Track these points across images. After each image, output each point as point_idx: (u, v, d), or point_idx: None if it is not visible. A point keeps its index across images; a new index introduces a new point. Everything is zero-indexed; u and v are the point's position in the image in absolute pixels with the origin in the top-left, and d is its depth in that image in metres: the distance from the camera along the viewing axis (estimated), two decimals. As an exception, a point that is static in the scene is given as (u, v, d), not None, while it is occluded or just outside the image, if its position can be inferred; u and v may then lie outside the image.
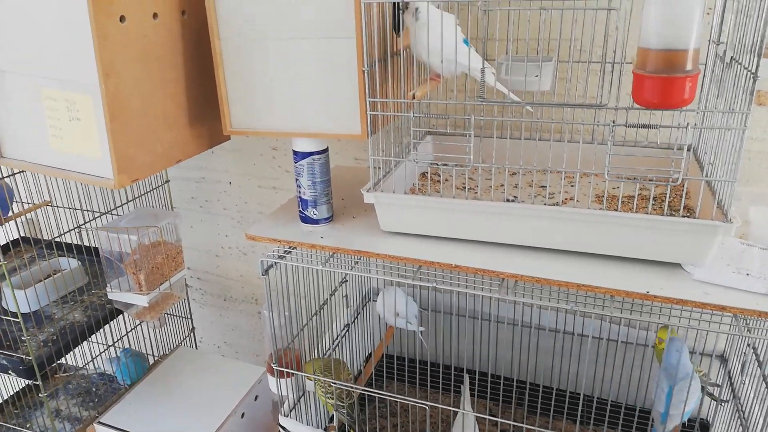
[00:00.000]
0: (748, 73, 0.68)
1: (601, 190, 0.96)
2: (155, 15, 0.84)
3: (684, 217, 0.77)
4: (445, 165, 0.83)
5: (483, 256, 0.82)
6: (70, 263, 1.29)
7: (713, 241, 0.72)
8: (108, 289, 1.13)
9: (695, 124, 0.68)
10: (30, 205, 1.23)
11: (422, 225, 0.87)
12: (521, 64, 0.90)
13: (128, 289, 1.12)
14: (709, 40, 0.93)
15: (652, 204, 0.86)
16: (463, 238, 0.86)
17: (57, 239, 1.30)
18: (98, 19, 0.74)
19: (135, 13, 0.80)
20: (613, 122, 0.71)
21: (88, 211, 1.30)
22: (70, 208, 1.32)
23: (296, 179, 0.93)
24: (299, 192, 0.93)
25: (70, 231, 1.29)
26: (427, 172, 1.07)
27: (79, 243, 1.35)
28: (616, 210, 0.83)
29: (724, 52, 0.84)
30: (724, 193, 0.73)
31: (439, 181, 1.03)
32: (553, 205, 0.91)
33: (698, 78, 0.63)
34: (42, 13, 0.79)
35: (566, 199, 0.95)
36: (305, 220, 0.95)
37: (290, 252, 0.95)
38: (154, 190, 1.32)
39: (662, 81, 0.62)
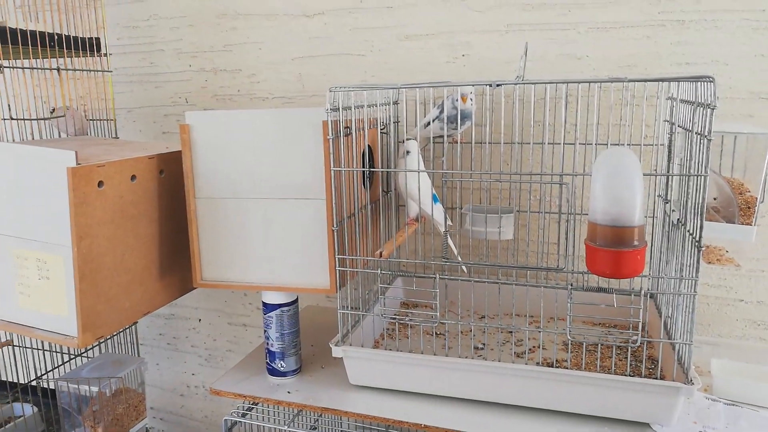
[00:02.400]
0: (692, 239, 0.73)
1: (563, 335, 0.97)
2: (133, 177, 0.87)
3: (647, 375, 0.78)
4: (412, 321, 0.84)
5: (454, 415, 0.81)
6: (25, 410, 1.23)
7: (677, 402, 0.73)
8: (62, 443, 1.07)
9: (648, 289, 0.71)
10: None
11: (392, 379, 0.86)
12: (483, 216, 0.95)
13: (84, 444, 1.06)
14: (657, 195, 1.00)
15: (617, 353, 0.88)
16: (434, 393, 0.85)
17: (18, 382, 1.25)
18: (77, 188, 0.77)
19: (114, 177, 0.83)
20: (571, 285, 0.74)
21: (50, 351, 1.26)
22: (32, 348, 1.28)
23: (264, 331, 0.93)
24: (267, 344, 0.93)
25: (29, 382, 1.24)
26: (396, 316, 1.08)
27: (39, 385, 1.29)
28: (579, 364, 0.84)
29: (672, 211, 0.90)
30: (684, 352, 0.75)
31: (409, 325, 1.04)
32: (521, 354, 0.92)
33: (646, 250, 0.67)
34: (22, 178, 0.82)
35: (534, 347, 0.96)
36: (272, 372, 0.93)
37: (255, 405, 0.93)
38: (122, 332, 1.29)
39: (612, 254, 0.66)
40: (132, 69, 1.38)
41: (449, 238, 0.81)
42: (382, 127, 1.02)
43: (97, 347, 1.28)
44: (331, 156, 0.82)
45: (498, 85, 0.72)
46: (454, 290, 1.06)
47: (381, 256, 0.83)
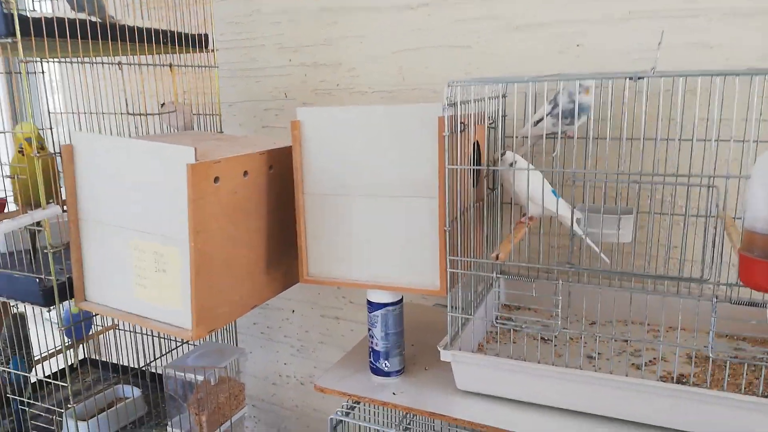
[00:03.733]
0: None
1: (689, 349, 0.90)
2: (246, 173, 0.88)
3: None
4: (528, 328, 0.80)
5: (567, 428, 0.76)
6: (132, 392, 1.29)
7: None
8: (168, 427, 1.11)
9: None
10: (99, 328, 1.26)
11: (502, 387, 0.82)
12: (598, 216, 0.89)
13: (188, 429, 1.09)
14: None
15: (751, 371, 0.79)
16: (547, 404, 0.81)
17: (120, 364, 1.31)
18: (195, 183, 0.78)
19: (228, 173, 0.84)
20: (716, 298, 0.67)
21: (156, 337, 1.31)
22: (137, 332, 1.34)
23: (369, 329, 0.91)
24: (372, 342, 0.91)
25: (140, 368, 1.30)
26: (498, 318, 1.04)
27: (141, 368, 1.35)
28: (705, 380, 0.77)
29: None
30: None
31: (512, 330, 1.00)
32: (640, 366, 0.85)
33: (811, 264, 0.59)
34: (144, 175, 0.84)
35: (653, 359, 0.89)
36: (376, 371, 0.92)
37: (358, 405, 0.92)
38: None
39: (772, 267, 0.59)
40: (234, 64, 1.40)
41: (578, 228, 0.76)
42: (491, 122, 0.98)
43: (199, 335, 1.32)
44: (446, 153, 0.79)
45: (640, 78, 0.66)
46: (572, 293, 1.00)
47: (498, 258, 0.79)
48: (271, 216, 0.95)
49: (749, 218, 0.61)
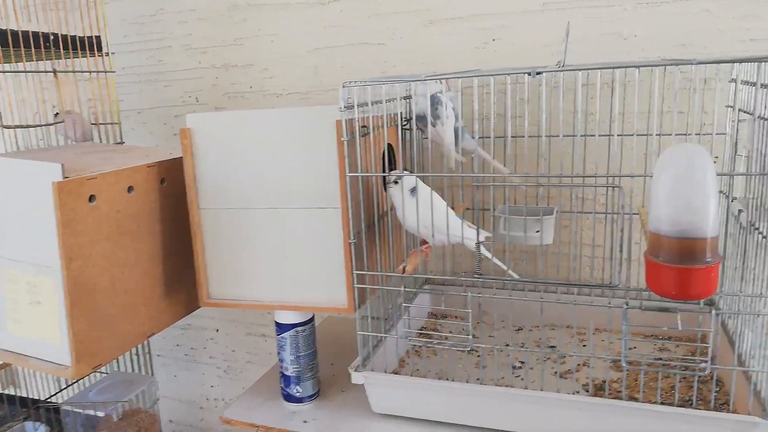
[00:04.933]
0: (774, 250, 0.61)
1: (617, 351, 0.86)
2: (130, 188, 0.79)
3: (716, 408, 0.67)
4: (440, 344, 0.74)
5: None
6: (36, 428, 1.18)
7: (756, 442, 0.61)
8: (73, 469, 1.01)
9: (719, 308, 0.60)
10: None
11: (420, 408, 0.77)
12: (520, 219, 0.84)
13: (95, 469, 1.00)
14: (720, 192, 0.88)
15: (680, 380, 0.76)
16: (466, 424, 0.75)
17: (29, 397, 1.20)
18: (63, 203, 0.69)
19: (107, 190, 0.75)
20: (626, 304, 0.63)
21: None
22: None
23: (278, 353, 0.84)
24: (281, 367, 0.84)
25: (37, 404, 1.19)
26: (424, 328, 0.99)
27: (46, 401, 1.24)
28: (633, 387, 0.73)
29: (739, 211, 0.78)
30: (761, 381, 0.64)
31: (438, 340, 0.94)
32: (565, 374, 0.81)
33: (719, 267, 0.55)
34: (8, 195, 0.74)
35: (579, 365, 0.85)
36: (288, 398, 0.85)
37: (272, 434, 0.84)
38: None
39: (680, 272, 0.55)
40: (140, 67, 1.30)
41: (484, 248, 0.71)
42: (404, 123, 0.92)
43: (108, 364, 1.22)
44: (347, 160, 0.72)
45: (538, 73, 0.61)
46: (488, 300, 0.96)
47: (404, 271, 0.73)
48: (167, 235, 0.86)
49: (653, 220, 0.56)
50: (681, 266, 0.55)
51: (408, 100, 0.92)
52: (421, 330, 0.99)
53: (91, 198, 0.74)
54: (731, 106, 0.82)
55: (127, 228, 0.79)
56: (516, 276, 0.73)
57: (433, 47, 1.05)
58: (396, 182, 0.76)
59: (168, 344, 1.44)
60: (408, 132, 0.94)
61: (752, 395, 0.65)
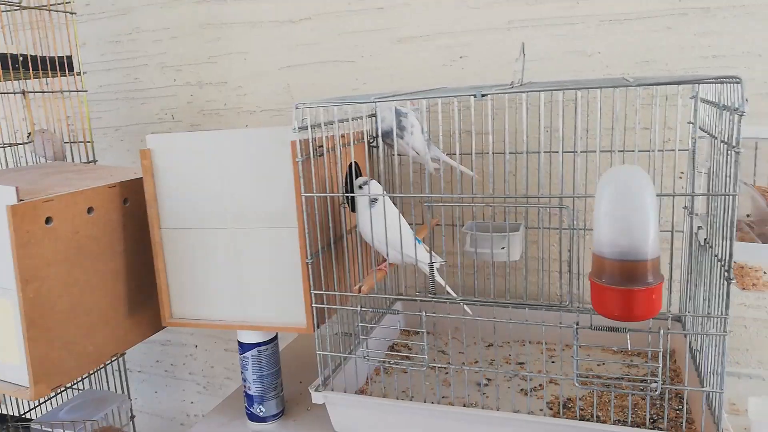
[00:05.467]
0: (722, 269, 0.61)
1: (586, 367, 0.86)
2: (90, 209, 0.80)
3: (670, 429, 0.66)
4: (397, 364, 0.74)
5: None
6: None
7: (709, 463, 0.61)
8: (43, 489, 1.00)
9: (669, 329, 0.60)
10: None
11: (380, 428, 0.76)
12: (487, 235, 0.85)
13: (64, 489, 0.99)
14: (683, 207, 0.88)
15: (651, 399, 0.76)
16: (426, 444, 0.75)
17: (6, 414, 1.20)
18: (18, 226, 0.70)
19: (65, 212, 0.76)
20: (577, 324, 0.63)
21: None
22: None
23: (241, 372, 0.84)
24: (245, 387, 0.84)
25: (3, 426, 1.19)
26: (395, 345, 0.99)
27: (20, 417, 1.24)
28: (600, 411, 0.73)
29: (699, 228, 0.78)
30: (714, 400, 0.64)
31: (408, 357, 0.94)
32: (529, 391, 0.81)
33: (662, 288, 0.55)
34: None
35: (542, 384, 0.85)
36: (252, 417, 0.84)
37: (236, 454, 0.84)
38: (109, 364, 1.23)
39: (622, 294, 0.55)
40: (117, 86, 1.31)
41: (436, 273, 0.71)
42: (371, 140, 0.93)
43: (82, 381, 1.22)
44: (302, 180, 0.73)
45: (483, 95, 0.61)
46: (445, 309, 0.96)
47: (360, 291, 0.73)
48: (130, 255, 0.86)
49: (596, 241, 0.56)
50: (623, 288, 0.55)
51: (373, 118, 0.92)
52: (392, 347, 0.99)
53: (48, 220, 0.74)
54: (692, 123, 0.82)
55: (88, 249, 0.80)
56: (453, 294, 0.73)
57: (402, 65, 1.06)
58: (361, 187, 0.76)
59: (148, 360, 1.44)
60: (375, 150, 0.95)
61: (704, 414, 0.64)
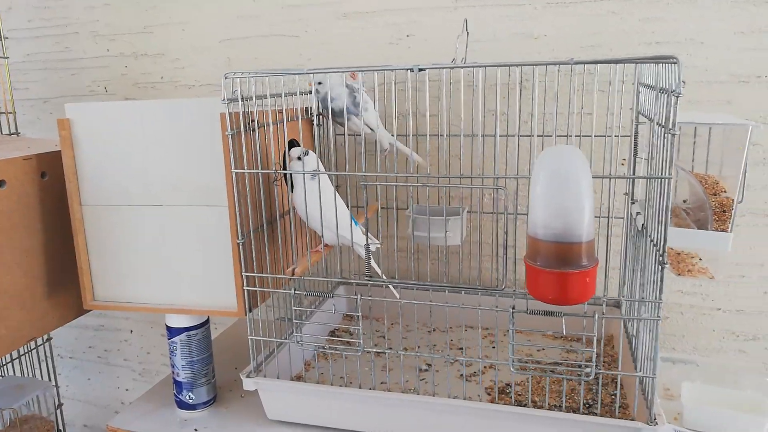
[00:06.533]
0: (657, 253, 0.61)
1: (526, 353, 0.86)
2: (1, 182, 0.73)
3: (604, 413, 0.67)
4: (334, 349, 0.72)
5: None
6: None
7: (638, 446, 0.61)
8: (-45, 482, 0.94)
9: (603, 313, 0.59)
10: None
11: (315, 415, 0.74)
12: (428, 219, 0.83)
13: (-21, 483, 0.93)
14: (624, 194, 0.88)
15: (572, 381, 0.76)
16: (361, 430, 0.73)
17: None
18: None
19: (-30, 185, 0.70)
20: (513, 308, 0.62)
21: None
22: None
23: (170, 357, 0.80)
24: (173, 373, 0.80)
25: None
26: (336, 331, 0.96)
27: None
28: (534, 390, 0.73)
29: (637, 214, 0.78)
30: (647, 385, 0.64)
31: (348, 342, 0.92)
32: (470, 376, 0.80)
33: (596, 271, 0.55)
34: None
35: (485, 367, 0.84)
36: (181, 405, 0.81)
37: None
38: (34, 350, 1.16)
39: (556, 276, 0.54)
40: (45, 54, 1.23)
41: (371, 258, 0.68)
42: (314, 117, 0.89)
43: (4, 368, 1.15)
44: (232, 155, 0.69)
45: (420, 69, 0.59)
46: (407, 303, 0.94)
47: (294, 274, 0.70)
48: (49, 232, 0.81)
49: (531, 223, 0.55)
50: (557, 270, 0.54)
51: (317, 94, 0.89)
52: (333, 332, 0.96)
53: (-49, 193, 0.68)
54: (633, 109, 0.82)
55: (0, 225, 0.74)
56: (384, 278, 0.70)
57: (348, 41, 1.03)
58: (300, 158, 0.73)
59: (80, 346, 1.37)
60: (320, 128, 0.91)
61: (637, 400, 0.65)
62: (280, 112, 0.78)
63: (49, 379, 1.15)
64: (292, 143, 0.84)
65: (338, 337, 0.95)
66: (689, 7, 0.87)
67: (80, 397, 1.39)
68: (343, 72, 0.65)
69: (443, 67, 0.59)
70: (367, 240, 0.67)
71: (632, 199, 0.85)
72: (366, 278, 0.68)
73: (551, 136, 0.84)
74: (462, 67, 0.59)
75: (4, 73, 1.05)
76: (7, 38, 1.06)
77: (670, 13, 0.88)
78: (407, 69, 0.59)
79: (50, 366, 1.16)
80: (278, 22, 1.06)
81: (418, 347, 0.91)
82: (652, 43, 0.90)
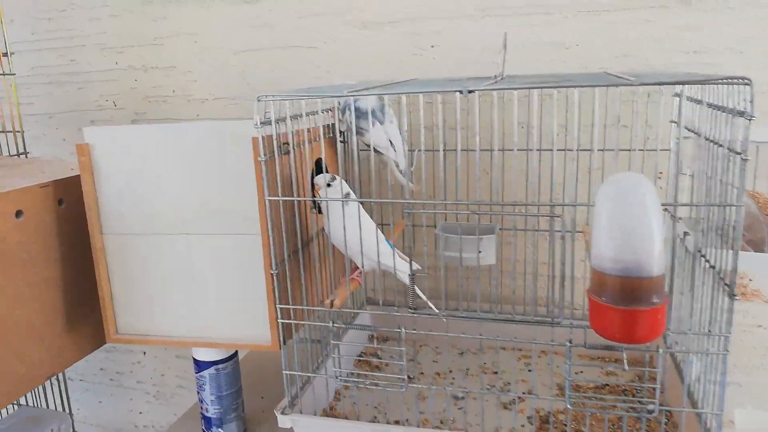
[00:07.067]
0: (720, 281, 0.57)
1: (563, 377, 0.83)
2: (19, 212, 0.69)
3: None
4: (375, 385, 0.68)
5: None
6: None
7: (704, 486, 0.58)
8: None
9: (668, 347, 0.56)
10: None
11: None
12: (459, 238, 0.79)
13: None
14: (665, 209, 0.85)
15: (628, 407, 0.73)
16: (403, 467, 0.70)
17: None
18: (-73, 236, 0.59)
19: (-14, 218, 0.65)
20: (570, 342, 0.59)
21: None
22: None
23: (198, 393, 0.76)
24: (202, 408, 0.76)
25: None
26: (364, 354, 0.93)
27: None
28: (578, 418, 0.69)
29: (685, 234, 0.74)
30: (711, 423, 0.61)
31: (378, 366, 0.89)
32: (509, 404, 0.77)
33: (666, 307, 0.51)
34: None
35: (524, 394, 0.81)
36: (210, 441, 0.77)
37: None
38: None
39: (624, 314, 0.50)
40: (50, 68, 1.18)
41: (416, 286, 0.65)
42: (340, 136, 0.85)
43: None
44: (265, 182, 0.65)
45: (470, 92, 0.55)
46: (425, 324, 0.90)
47: (333, 305, 0.66)
48: (67, 263, 0.76)
49: (596, 255, 0.52)
50: (625, 308, 0.51)
51: (346, 110, 0.85)
52: (360, 356, 0.93)
53: (-33, 228, 0.63)
54: (675, 122, 0.79)
55: (16, 258, 0.69)
56: (436, 310, 0.67)
57: (369, 53, 0.99)
58: (329, 185, 0.69)
59: (91, 368, 1.32)
60: (344, 145, 0.87)
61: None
62: (308, 131, 0.75)
63: (63, 408, 1.11)
64: (318, 162, 0.81)
65: (366, 361, 0.91)
66: (727, 15, 0.84)
67: (92, 420, 1.35)
68: (387, 95, 0.61)
69: (495, 89, 0.56)
70: (411, 268, 0.63)
71: (675, 216, 0.81)
72: (410, 310, 0.64)
73: (590, 150, 0.81)
74: (516, 89, 0.55)
75: (11, 91, 1.00)
76: (13, 54, 1.01)
77: (707, 21, 0.85)
78: (456, 91, 0.55)
79: (64, 394, 1.11)
80: (294, 32, 1.02)
81: (450, 371, 0.87)
82: (690, 52, 0.86)
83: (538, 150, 0.56)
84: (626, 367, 0.57)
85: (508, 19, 0.91)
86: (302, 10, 1.01)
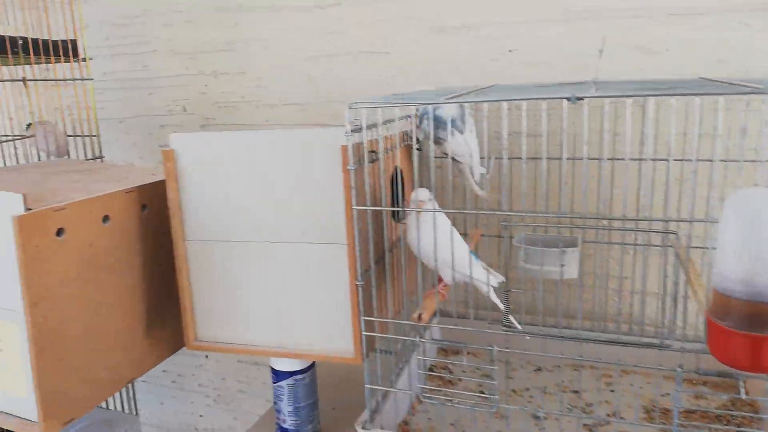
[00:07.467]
0: None
1: (649, 399, 0.79)
2: (106, 218, 0.70)
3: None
4: (463, 405, 0.66)
5: None
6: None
7: None
8: None
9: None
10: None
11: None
12: (541, 251, 0.76)
13: None
14: None
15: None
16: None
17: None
18: (26, 239, 0.60)
19: (78, 222, 0.66)
20: (680, 367, 0.55)
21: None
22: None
23: (275, 403, 0.75)
24: (278, 419, 0.75)
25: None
26: (434, 368, 0.90)
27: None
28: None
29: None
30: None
31: (451, 381, 0.86)
32: (593, 427, 0.73)
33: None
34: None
35: (609, 414, 0.77)
36: (286, 452, 0.76)
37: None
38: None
39: (753, 341, 0.47)
40: (123, 73, 1.21)
41: (493, 294, 0.62)
42: (417, 144, 0.83)
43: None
44: (353, 191, 0.63)
45: (579, 99, 0.52)
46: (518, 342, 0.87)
47: (420, 319, 0.64)
48: (148, 268, 0.77)
49: (720, 275, 0.48)
50: (755, 334, 0.47)
51: (424, 118, 0.83)
52: (430, 370, 0.90)
53: (59, 232, 0.64)
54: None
55: (103, 263, 0.70)
56: (518, 326, 0.64)
57: (444, 58, 0.97)
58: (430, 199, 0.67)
59: (154, 370, 1.33)
60: (420, 154, 0.85)
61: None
62: (388, 138, 0.73)
63: (129, 409, 1.12)
64: (394, 171, 0.79)
65: (437, 374, 0.89)
66: (836, 17, 0.78)
67: (152, 421, 1.37)
68: (485, 102, 0.59)
69: (607, 96, 0.53)
70: (488, 281, 0.61)
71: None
72: (504, 328, 0.61)
73: (691, 160, 0.76)
74: (630, 96, 0.52)
75: (88, 95, 1.02)
76: (92, 59, 1.03)
77: (812, 23, 0.79)
78: (564, 98, 0.53)
79: (131, 398, 1.13)
80: (366, 37, 1.01)
81: (527, 389, 0.84)
82: (791, 57, 0.81)
83: (652, 160, 0.52)
84: (744, 395, 0.53)
85: (593, 21, 0.88)
86: (375, 16, 0.99)
